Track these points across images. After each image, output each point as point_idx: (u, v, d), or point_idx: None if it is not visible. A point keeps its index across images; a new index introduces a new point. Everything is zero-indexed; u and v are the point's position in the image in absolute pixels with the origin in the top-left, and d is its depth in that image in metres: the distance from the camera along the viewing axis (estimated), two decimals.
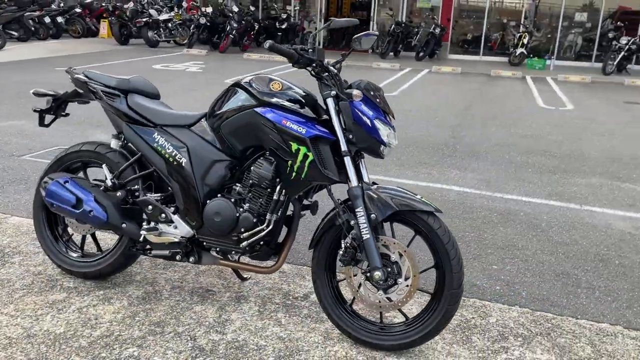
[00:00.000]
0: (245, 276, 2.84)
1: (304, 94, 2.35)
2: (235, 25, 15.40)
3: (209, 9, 16.46)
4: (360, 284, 2.32)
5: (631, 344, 2.46)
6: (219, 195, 2.45)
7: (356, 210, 2.23)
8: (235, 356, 2.25)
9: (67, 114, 2.92)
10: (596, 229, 3.89)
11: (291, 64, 2.30)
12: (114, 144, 2.68)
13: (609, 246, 3.59)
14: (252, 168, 2.40)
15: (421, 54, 15.95)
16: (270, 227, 2.38)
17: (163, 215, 2.52)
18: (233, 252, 2.48)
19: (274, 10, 18.94)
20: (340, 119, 2.26)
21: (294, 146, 2.24)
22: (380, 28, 18.33)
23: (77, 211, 2.57)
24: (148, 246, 2.61)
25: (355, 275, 2.33)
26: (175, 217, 2.51)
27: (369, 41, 2.31)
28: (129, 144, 2.65)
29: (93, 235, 2.88)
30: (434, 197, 4.37)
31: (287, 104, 2.30)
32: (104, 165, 2.67)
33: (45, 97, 2.82)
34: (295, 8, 18.50)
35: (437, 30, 15.84)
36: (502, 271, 3.18)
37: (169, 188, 2.57)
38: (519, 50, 15.47)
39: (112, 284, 2.80)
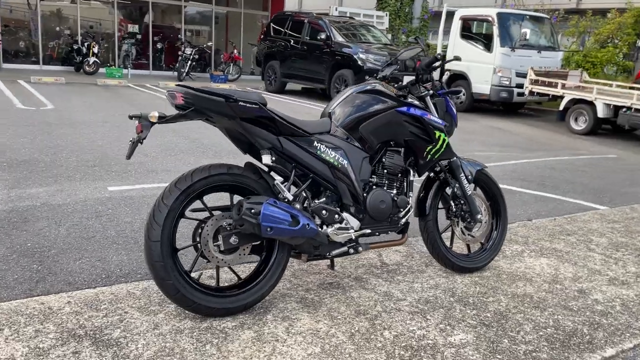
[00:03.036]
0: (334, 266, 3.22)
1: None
2: None
3: None
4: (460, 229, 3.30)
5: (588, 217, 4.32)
6: (373, 187, 2.89)
7: (460, 175, 3.21)
8: (443, 305, 2.88)
9: None
10: None
11: (417, 72, 3.03)
12: (267, 159, 2.60)
13: None
14: (384, 159, 2.97)
15: None
16: (413, 203, 3.04)
17: (336, 216, 2.74)
18: (389, 232, 2.97)
19: None
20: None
21: (437, 134, 3.01)
22: None
23: (296, 228, 2.47)
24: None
25: (457, 223, 3.29)
26: (345, 215, 2.78)
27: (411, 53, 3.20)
28: (285, 157, 2.64)
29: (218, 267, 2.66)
30: None
31: (416, 102, 3.02)
32: (276, 182, 2.58)
33: (140, 122, 2.40)
34: None
35: None
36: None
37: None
38: (92, 59, 15.72)
39: (252, 310, 2.69)
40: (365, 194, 2.85)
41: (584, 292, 3.20)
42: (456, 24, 13.15)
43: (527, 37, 12.08)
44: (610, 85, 11.44)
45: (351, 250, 2.85)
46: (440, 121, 3.05)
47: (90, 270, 3.04)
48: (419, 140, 2.99)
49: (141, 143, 2.42)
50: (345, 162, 2.76)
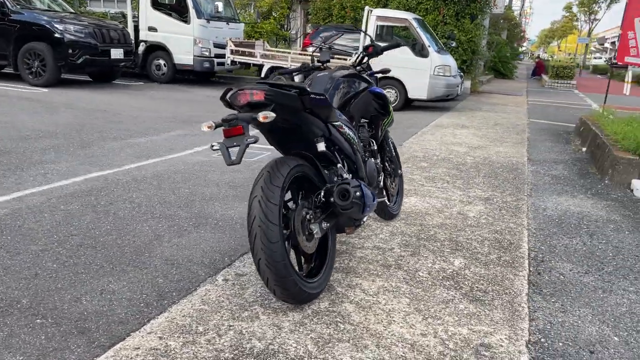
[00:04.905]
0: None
1: None
2: None
3: None
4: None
5: None
6: (365, 159, 3.35)
7: (389, 141, 3.92)
8: (416, 245, 3.58)
9: None
10: None
11: (367, 55, 3.52)
12: (322, 146, 2.75)
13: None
14: (360, 134, 3.46)
15: None
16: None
17: None
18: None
19: None
20: None
21: (389, 108, 3.62)
22: None
23: (375, 203, 2.74)
24: None
25: (388, 179, 4.00)
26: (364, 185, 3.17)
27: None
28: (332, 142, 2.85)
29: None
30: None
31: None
32: (339, 165, 2.77)
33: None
34: None
35: None
36: None
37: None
38: None
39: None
40: (363, 165, 3.27)
41: (462, 213, 4.39)
42: None
43: (220, 9, 12.88)
44: (289, 53, 13.32)
45: (369, 215, 3.26)
46: (388, 96, 3.65)
47: (115, 305, 2.58)
48: (380, 114, 3.53)
49: (247, 147, 2.31)
50: (356, 139, 3.12)
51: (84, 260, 3.06)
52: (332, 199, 2.67)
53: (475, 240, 3.76)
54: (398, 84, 11.38)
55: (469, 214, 4.38)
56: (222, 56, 13.06)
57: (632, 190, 5.47)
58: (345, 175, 2.86)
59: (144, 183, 4.71)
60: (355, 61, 3.66)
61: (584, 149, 7.68)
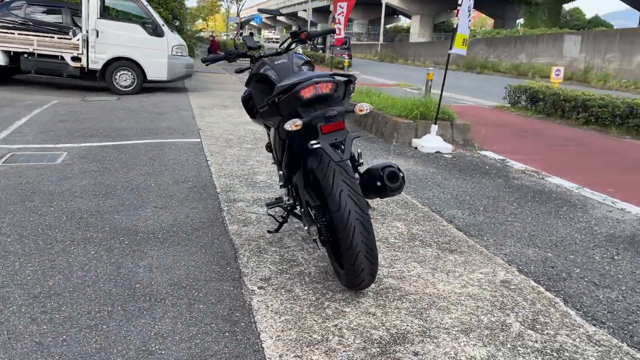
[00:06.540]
0: None
1: None
2: None
3: None
4: None
5: None
6: None
7: None
8: None
9: None
10: None
11: (299, 41, 3.54)
12: None
13: None
14: None
15: None
16: None
17: None
18: None
19: None
20: None
21: None
22: None
23: None
24: None
25: None
26: None
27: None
28: None
29: None
30: None
31: None
32: (359, 151, 2.83)
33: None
34: None
35: None
36: None
37: None
38: None
39: None
40: None
41: None
42: None
43: None
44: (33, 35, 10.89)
45: None
46: None
47: (198, 343, 2.16)
48: None
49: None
50: None
51: (72, 312, 2.35)
52: (378, 183, 2.75)
53: (382, 204, 4.24)
54: (134, 66, 10.71)
55: None
56: None
57: (415, 148, 6.77)
58: (361, 160, 2.94)
59: None
60: (283, 46, 3.60)
61: None
